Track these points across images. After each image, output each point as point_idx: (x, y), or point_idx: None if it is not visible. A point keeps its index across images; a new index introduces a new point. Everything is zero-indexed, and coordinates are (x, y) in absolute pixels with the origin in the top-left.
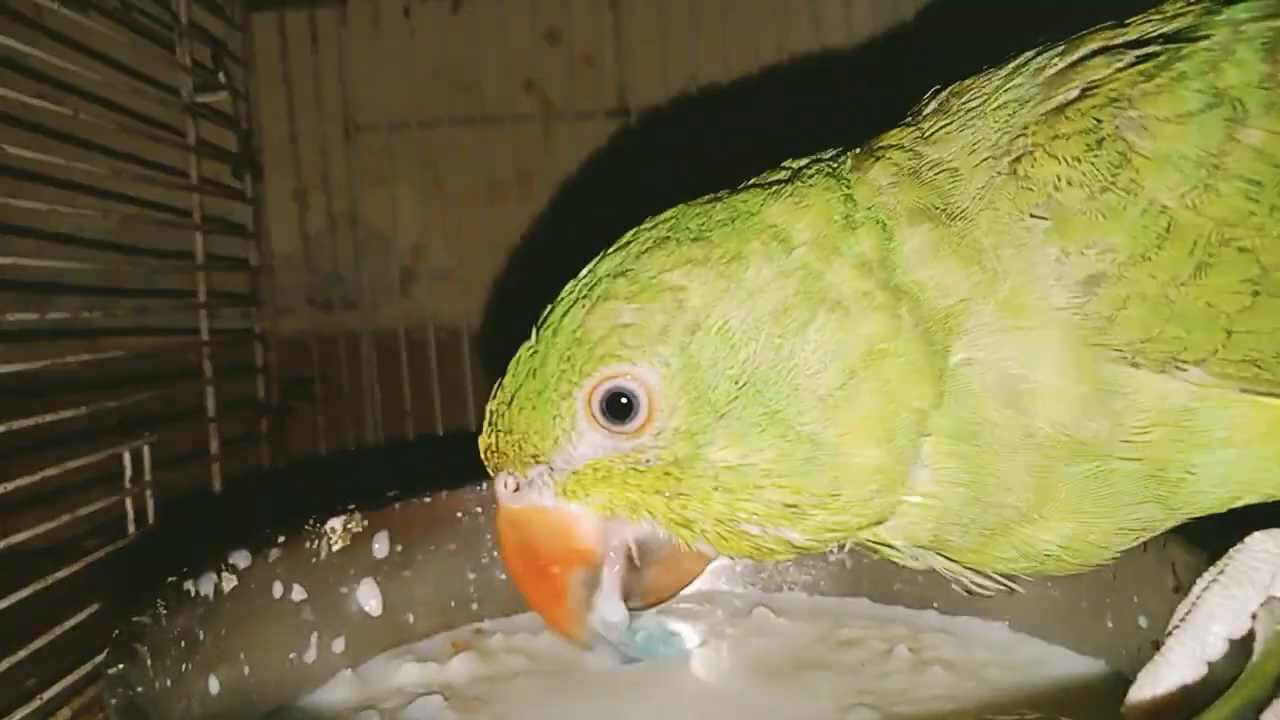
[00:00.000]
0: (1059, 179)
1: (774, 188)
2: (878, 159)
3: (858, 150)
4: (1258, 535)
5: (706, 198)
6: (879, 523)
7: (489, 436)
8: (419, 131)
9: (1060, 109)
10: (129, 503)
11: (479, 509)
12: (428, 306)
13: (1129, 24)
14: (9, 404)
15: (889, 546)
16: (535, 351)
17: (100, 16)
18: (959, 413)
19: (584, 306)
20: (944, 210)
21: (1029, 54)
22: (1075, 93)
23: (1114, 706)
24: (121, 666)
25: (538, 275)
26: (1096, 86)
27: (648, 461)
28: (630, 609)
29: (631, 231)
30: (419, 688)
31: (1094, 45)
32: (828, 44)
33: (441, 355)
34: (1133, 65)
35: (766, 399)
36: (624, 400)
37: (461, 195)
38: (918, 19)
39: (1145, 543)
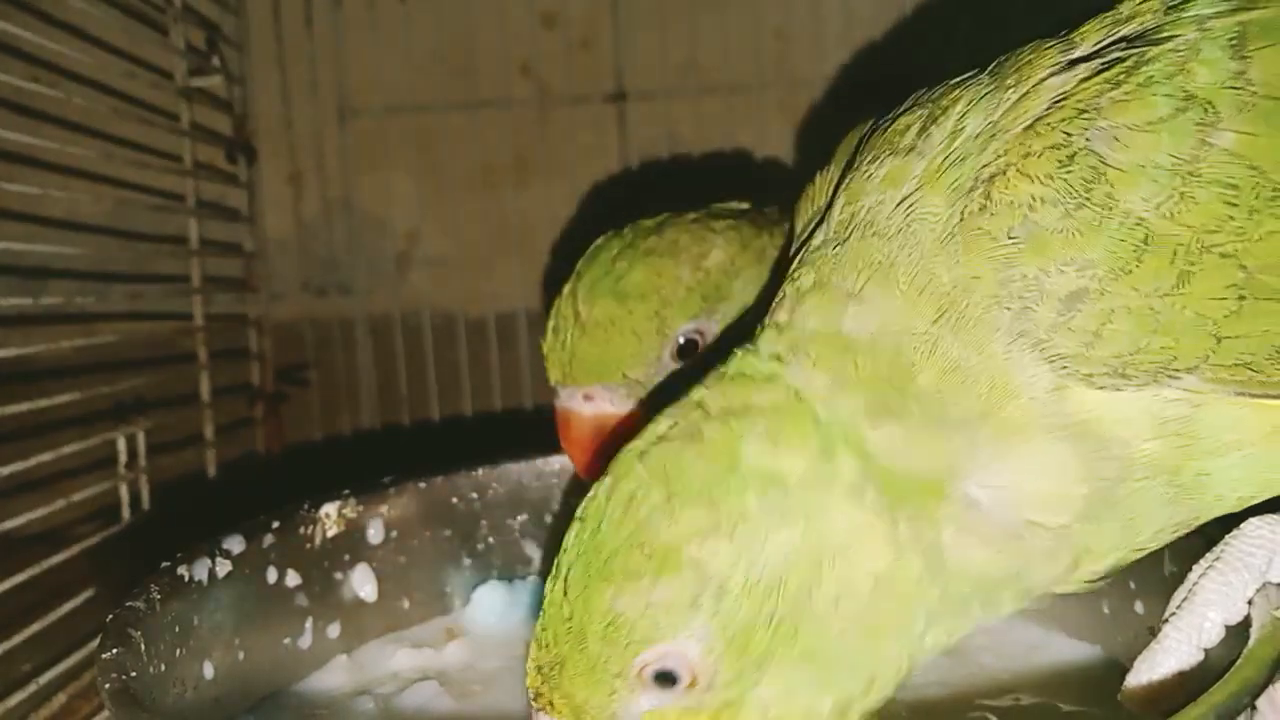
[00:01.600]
0: (1033, 198)
1: (748, 420)
2: (815, 361)
3: (793, 330)
4: (1254, 521)
5: (679, 417)
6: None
7: (548, 695)
8: (414, 116)
9: (1031, 125)
10: (123, 488)
11: (474, 495)
12: (423, 292)
13: (1081, 31)
14: (2, 389)
15: None
16: (570, 622)
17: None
18: (962, 579)
19: (609, 587)
20: (899, 396)
21: (977, 87)
22: (1044, 106)
23: (1110, 692)
24: (116, 652)
25: (534, 261)
26: (1064, 98)
27: (701, 705)
28: None
29: (623, 470)
30: (414, 673)
31: (1046, 65)
32: (826, 28)
33: (437, 341)
34: (1099, 73)
35: (797, 638)
36: (669, 672)
37: (457, 180)
38: (916, 3)
39: None
